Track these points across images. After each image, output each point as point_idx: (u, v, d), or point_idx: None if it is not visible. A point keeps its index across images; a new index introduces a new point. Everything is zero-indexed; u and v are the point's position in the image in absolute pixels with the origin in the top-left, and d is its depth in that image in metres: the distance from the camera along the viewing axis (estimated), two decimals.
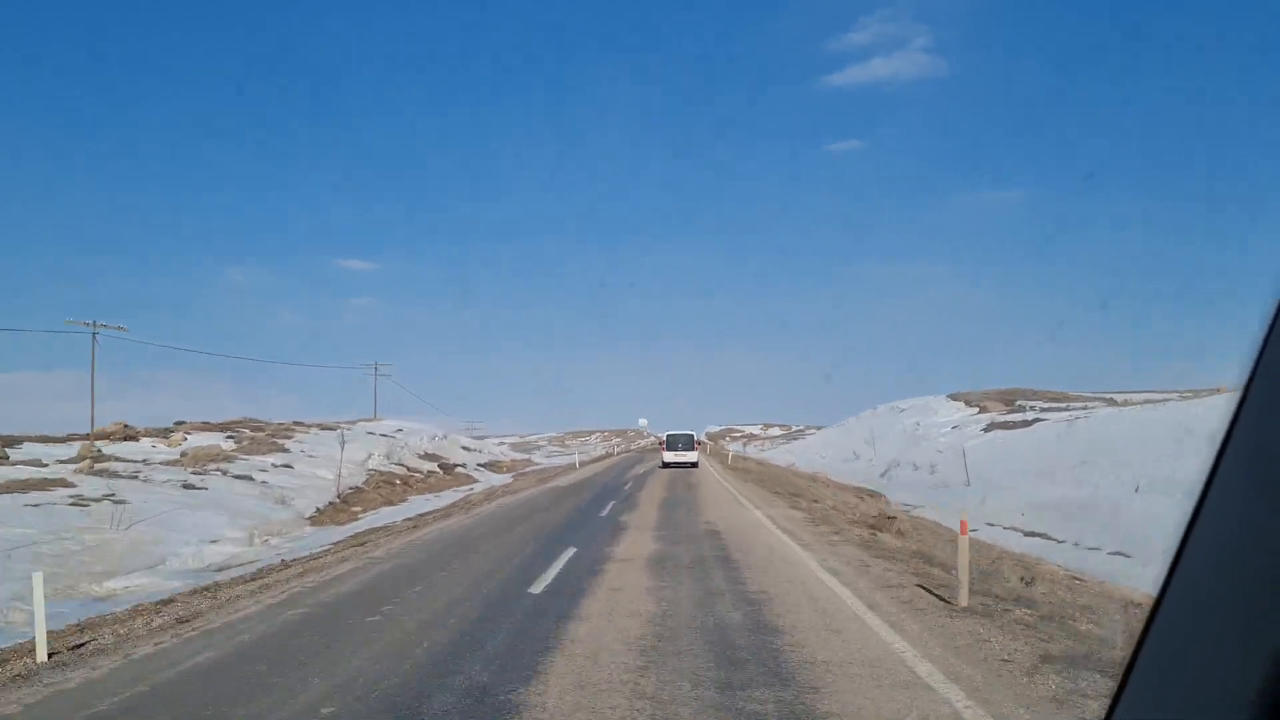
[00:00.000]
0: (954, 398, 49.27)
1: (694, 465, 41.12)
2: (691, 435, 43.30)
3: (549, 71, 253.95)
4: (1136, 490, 19.61)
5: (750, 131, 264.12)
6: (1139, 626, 1.15)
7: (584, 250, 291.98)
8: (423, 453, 47.02)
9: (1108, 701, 1.22)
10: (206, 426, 41.98)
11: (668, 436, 42.91)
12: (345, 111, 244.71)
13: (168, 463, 29.96)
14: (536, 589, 9.82)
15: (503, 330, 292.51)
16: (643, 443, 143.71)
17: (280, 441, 38.72)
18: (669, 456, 41.27)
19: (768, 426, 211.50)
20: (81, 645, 8.02)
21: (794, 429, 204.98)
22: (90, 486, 22.59)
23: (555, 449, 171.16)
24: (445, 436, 54.82)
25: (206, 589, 11.66)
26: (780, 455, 66.20)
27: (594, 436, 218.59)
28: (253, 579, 12.29)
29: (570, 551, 12.74)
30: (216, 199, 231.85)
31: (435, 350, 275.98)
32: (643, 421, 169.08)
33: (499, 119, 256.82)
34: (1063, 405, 39.43)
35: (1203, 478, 1.07)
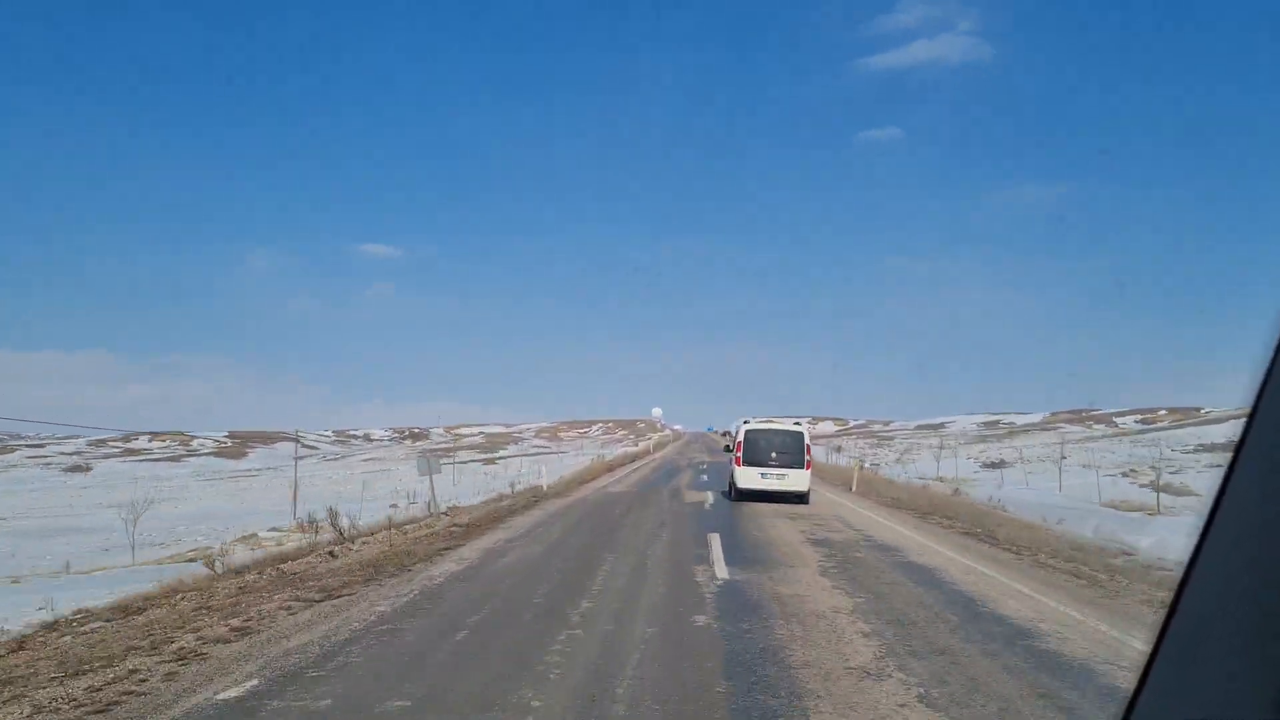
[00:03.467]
0: None
1: (802, 499, 20.22)
2: (801, 434, 20.78)
3: (575, 59, 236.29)
4: None
5: (784, 116, 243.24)
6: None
7: (606, 236, 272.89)
8: None
9: (1124, 700, 1.24)
10: None
11: (746, 434, 20.64)
12: (372, 101, 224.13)
13: None
14: None
15: (509, 314, 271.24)
16: (655, 439, 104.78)
17: None
18: (749, 479, 20.27)
19: (817, 420, 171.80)
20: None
21: (851, 424, 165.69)
22: None
23: (539, 445, 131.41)
24: None
25: None
26: None
27: (594, 428, 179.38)
28: None
29: None
30: (236, 184, 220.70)
31: (437, 333, 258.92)
32: (656, 412, 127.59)
33: (525, 109, 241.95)
34: None
35: (1220, 476, 1.08)
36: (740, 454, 20.58)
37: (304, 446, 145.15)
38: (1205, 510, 1.09)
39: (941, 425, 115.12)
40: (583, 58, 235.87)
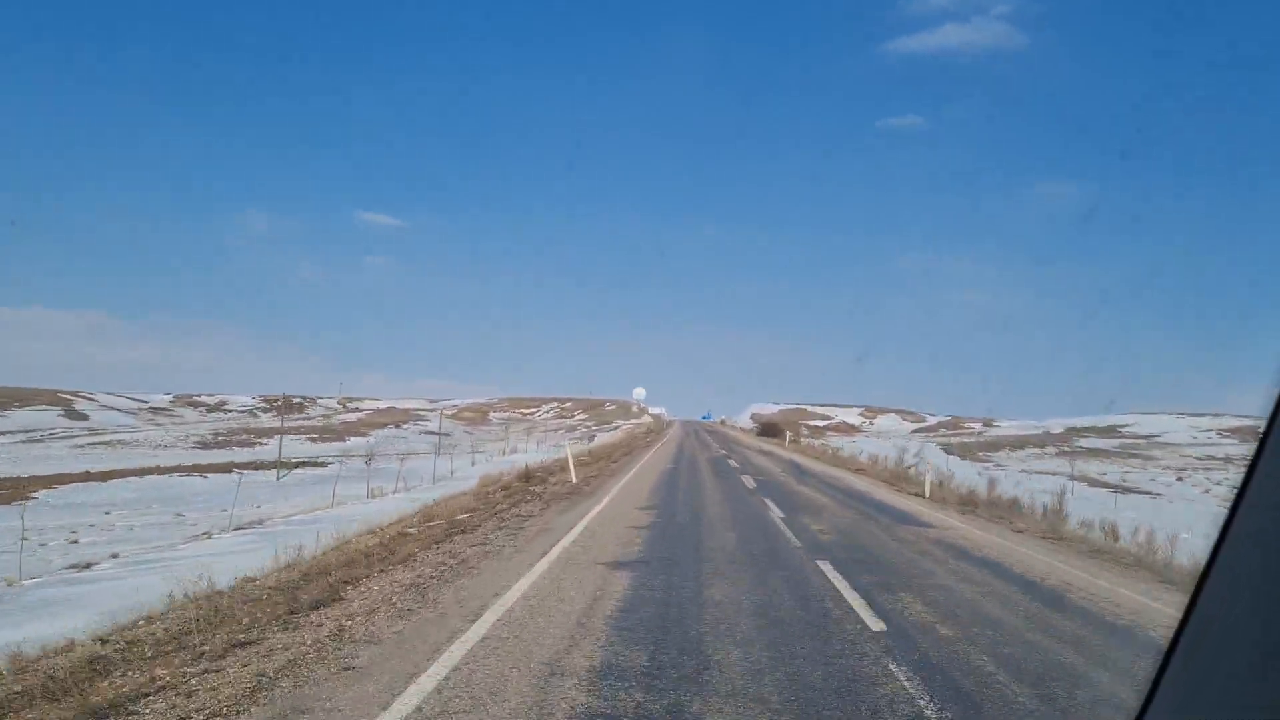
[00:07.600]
0: None
1: None
2: None
3: (590, 37, 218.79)
4: None
5: (804, 98, 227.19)
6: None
7: (608, 215, 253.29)
8: None
9: (1139, 702, 1.21)
10: None
11: None
12: (384, 70, 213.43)
13: None
14: None
15: (495, 289, 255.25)
16: (626, 429, 59.28)
17: None
18: None
19: (873, 412, 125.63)
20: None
21: (928, 419, 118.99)
22: None
23: (442, 432, 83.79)
24: None
25: None
26: None
27: (545, 408, 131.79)
28: None
29: None
30: (239, 146, 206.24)
31: (428, 305, 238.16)
32: (639, 393, 79.31)
33: (535, 87, 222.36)
34: None
35: (1240, 477, 1.10)
36: None
37: (70, 415, 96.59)
38: (1223, 514, 1.09)
39: (1114, 429, 69.48)
40: (597, 35, 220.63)
